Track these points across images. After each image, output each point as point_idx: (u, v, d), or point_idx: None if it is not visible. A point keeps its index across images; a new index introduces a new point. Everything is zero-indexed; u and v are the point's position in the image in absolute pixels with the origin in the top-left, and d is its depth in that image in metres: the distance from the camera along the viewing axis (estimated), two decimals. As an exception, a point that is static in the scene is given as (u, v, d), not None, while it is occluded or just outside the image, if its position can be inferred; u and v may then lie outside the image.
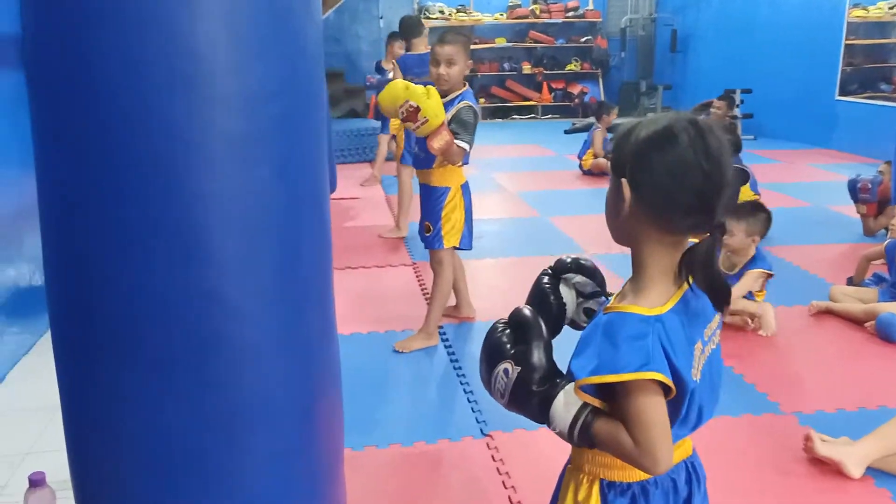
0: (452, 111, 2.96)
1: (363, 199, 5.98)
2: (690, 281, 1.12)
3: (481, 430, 2.50)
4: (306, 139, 1.32)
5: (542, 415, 1.16)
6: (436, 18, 10.81)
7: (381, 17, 9.45)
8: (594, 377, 1.08)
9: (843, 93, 8.12)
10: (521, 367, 1.16)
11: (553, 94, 11.27)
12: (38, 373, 2.81)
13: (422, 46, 4.98)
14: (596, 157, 6.86)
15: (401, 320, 3.44)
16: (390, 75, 5.62)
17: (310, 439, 1.41)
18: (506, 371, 1.17)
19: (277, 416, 1.32)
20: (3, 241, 3.02)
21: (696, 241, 1.12)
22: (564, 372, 1.16)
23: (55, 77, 1.15)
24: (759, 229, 3.33)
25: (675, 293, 1.12)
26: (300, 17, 1.28)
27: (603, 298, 1.33)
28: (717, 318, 1.19)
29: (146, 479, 1.26)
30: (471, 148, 2.99)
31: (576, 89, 11.23)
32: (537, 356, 1.16)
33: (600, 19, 11.44)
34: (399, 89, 2.81)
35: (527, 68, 11.27)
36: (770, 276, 3.30)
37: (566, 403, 1.13)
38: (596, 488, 1.18)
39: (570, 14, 11.32)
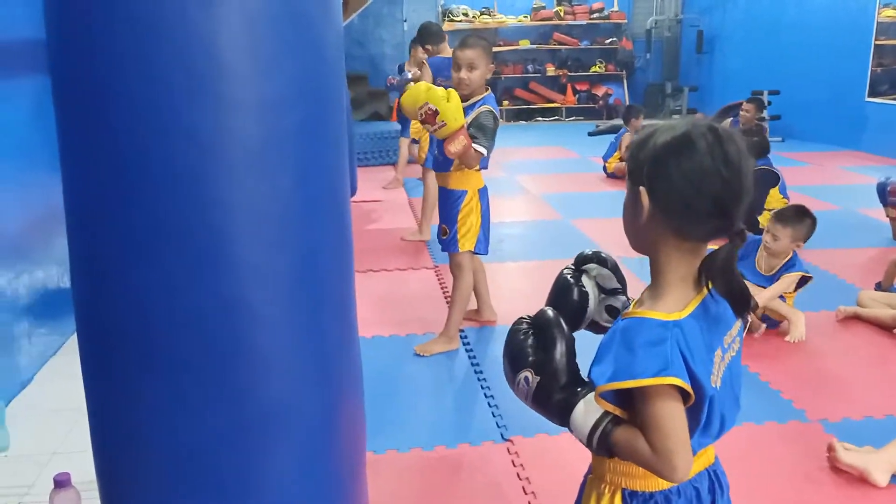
0: (472, 115, 2.95)
1: (385, 202, 5.99)
2: (710, 287, 1.11)
3: (502, 435, 2.50)
4: (326, 146, 1.32)
5: (563, 421, 1.16)
6: (460, 21, 10.82)
7: (405, 21, 9.48)
8: (611, 383, 1.07)
9: (872, 94, 7.99)
10: (541, 377, 1.16)
11: (577, 96, 11.22)
12: (65, 374, 2.86)
13: (447, 50, 4.99)
14: (622, 160, 6.82)
15: (422, 323, 3.45)
16: (409, 74, 5.64)
17: (332, 443, 1.41)
18: (526, 379, 1.18)
19: (299, 421, 1.32)
20: (32, 243, 3.07)
21: (715, 247, 1.11)
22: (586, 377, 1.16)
23: (78, 84, 1.17)
24: (805, 234, 3.30)
25: (694, 298, 1.10)
26: (320, 24, 1.28)
27: (625, 298, 1.31)
28: (738, 324, 1.17)
29: (169, 484, 1.27)
30: (489, 153, 2.98)
31: (600, 91, 11.17)
32: (557, 365, 1.16)
33: (625, 21, 11.38)
34: (420, 91, 2.82)
35: (551, 70, 11.24)
36: (809, 278, 3.27)
37: (586, 412, 1.12)
38: (618, 498, 1.17)
39: (595, 16, 11.28)
